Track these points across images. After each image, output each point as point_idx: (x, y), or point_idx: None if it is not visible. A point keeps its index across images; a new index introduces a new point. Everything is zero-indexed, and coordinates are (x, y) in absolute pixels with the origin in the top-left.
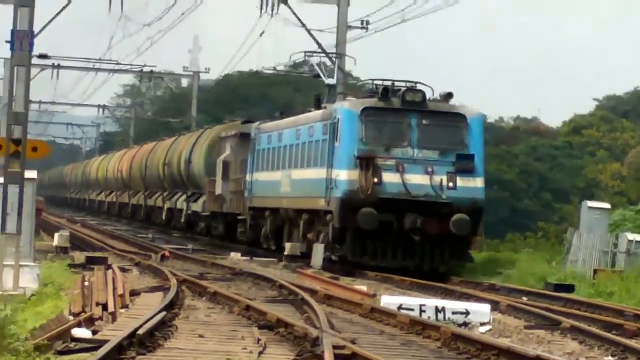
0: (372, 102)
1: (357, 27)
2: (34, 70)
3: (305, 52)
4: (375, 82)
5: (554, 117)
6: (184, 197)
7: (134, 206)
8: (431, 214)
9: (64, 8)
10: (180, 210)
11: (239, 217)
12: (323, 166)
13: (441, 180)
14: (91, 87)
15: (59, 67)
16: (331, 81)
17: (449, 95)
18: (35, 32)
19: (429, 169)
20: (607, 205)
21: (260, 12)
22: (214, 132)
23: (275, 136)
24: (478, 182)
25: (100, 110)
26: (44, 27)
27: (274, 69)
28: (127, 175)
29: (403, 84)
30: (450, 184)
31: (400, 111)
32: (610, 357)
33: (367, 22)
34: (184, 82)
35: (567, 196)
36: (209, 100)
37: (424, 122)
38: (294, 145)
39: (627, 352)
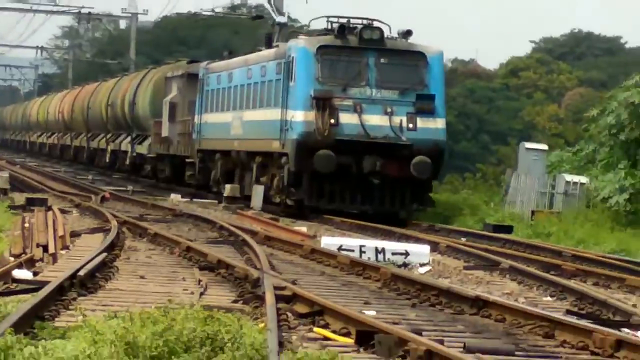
0: (328, 40)
1: None
2: None
3: None
4: (330, 19)
5: (491, 60)
6: (128, 139)
7: (76, 148)
8: (391, 156)
9: None
10: (125, 152)
11: (187, 160)
12: (277, 107)
13: (401, 121)
14: (29, 28)
15: None
16: (282, 19)
17: (408, 33)
18: None
19: (388, 110)
20: (545, 147)
21: None
22: (160, 72)
23: (225, 76)
24: (439, 123)
25: (39, 52)
26: None
27: (213, 11)
28: (68, 116)
29: (359, 21)
30: (410, 125)
31: (358, 49)
32: (549, 297)
33: None
34: (122, 24)
35: (505, 138)
36: (148, 42)
37: (382, 60)
38: (245, 86)
39: (566, 292)
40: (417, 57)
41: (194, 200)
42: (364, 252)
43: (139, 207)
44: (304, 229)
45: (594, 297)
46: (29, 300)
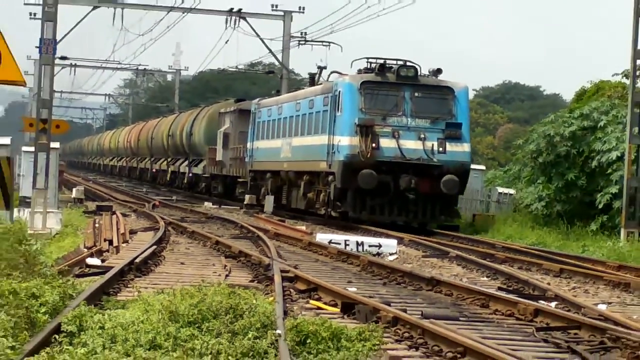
0: (370, 76)
1: (297, 37)
2: (56, 69)
3: (298, 40)
4: (369, 60)
5: None
6: (186, 162)
7: (141, 169)
8: (424, 175)
9: (78, 23)
10: (183, 173)
11: (238, 180)
12: (324, 133)
13: (432, 145)
14: (99, 81)
15: (75, 66)
16: (322, 64)
17: (438, 71)
18: (57, 40)
19: (422, 136)
20: (483, 167)
21: (226, 26)
22: (212, 109)
23: (275, 110)
24: (465, 147)
25: (107, 98)
26: (64, 36)
27: (236, 67)
28: (135, 144)
29: (394, 62)
30: (441, 149)
31: (396, 85)
32: (485, 278)
33: (305, 33)
34: (169, 77)
35: None
36: (188, 90)
37: (416, 94)
38: (294, 117)
39: (498, 274)
40: (446, 91)
41: (222, 207)
42: (348, 244)
43: (180, 212)
44: (303, 228)
45: (518, 278)
46: (98, 281)
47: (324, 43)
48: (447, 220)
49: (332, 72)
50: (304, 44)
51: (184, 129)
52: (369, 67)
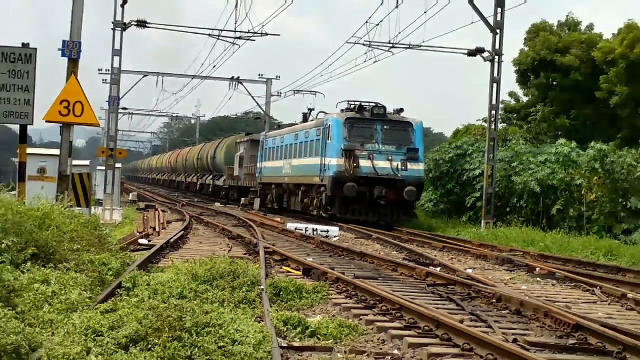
0: (351, 114)
1: (275, 95)
2: (119, 115)
3: (294, 90)
4: (349, 102)
5: None
6: (210, 176)
7: (177, 182)
8: (391, 186)
9: (133, 85)
10: (208, 184)
11: (250, 189)
12: (317, 156)
13: (397, 164)
14: (147, 123)
15: (131, 113)
16: (311, 106)
17: (401, 110)
18: (120, 97)
19: (389, 158)
20: None
21: (229, 87)
22: (229, 140)
23: (278, 139)
24: (420, 166)
25: (152, 134)
26: (125, 94)
27: (236, 115)
28: (174, 164)
29: (367, 103)
30: (403, 167)
31: (370, 120)
32: (395, 252)
33: (280, 92)
34: (192, 121)
35: None
36: (204, 130)
37: (385, 127)
38: (292, 144)
39: (403, 249)
40: (407, 125)
41: (226, 205)
42: (307, 230)
43: (199, 209)
44: (278, 219)
45: (416, 252)
46: (145, 254)
47: (312, 92)
48: (408, 220)
49: (319, 112)
50: (297, 92)
51: (209, 154)
52: (349, 107)
